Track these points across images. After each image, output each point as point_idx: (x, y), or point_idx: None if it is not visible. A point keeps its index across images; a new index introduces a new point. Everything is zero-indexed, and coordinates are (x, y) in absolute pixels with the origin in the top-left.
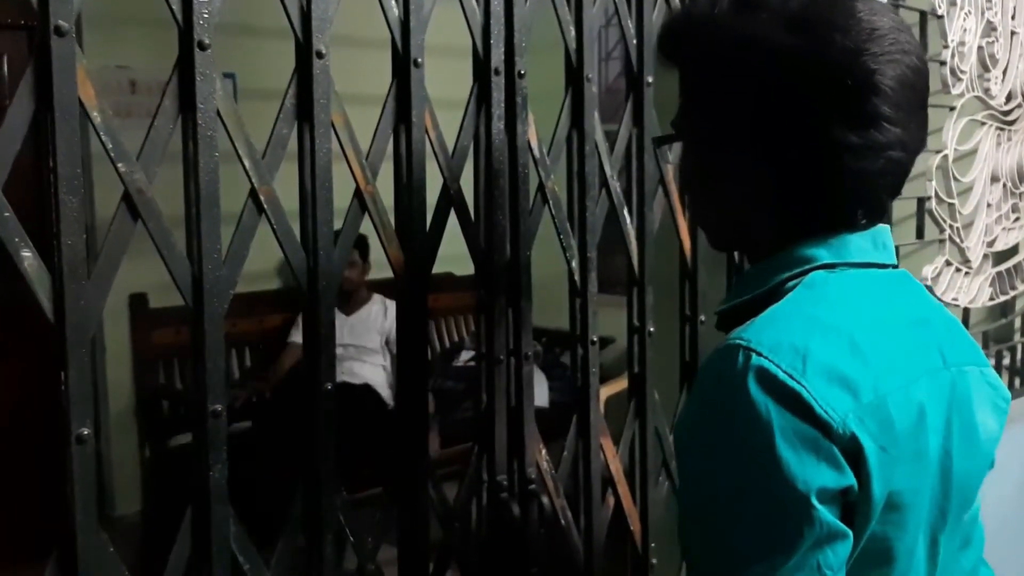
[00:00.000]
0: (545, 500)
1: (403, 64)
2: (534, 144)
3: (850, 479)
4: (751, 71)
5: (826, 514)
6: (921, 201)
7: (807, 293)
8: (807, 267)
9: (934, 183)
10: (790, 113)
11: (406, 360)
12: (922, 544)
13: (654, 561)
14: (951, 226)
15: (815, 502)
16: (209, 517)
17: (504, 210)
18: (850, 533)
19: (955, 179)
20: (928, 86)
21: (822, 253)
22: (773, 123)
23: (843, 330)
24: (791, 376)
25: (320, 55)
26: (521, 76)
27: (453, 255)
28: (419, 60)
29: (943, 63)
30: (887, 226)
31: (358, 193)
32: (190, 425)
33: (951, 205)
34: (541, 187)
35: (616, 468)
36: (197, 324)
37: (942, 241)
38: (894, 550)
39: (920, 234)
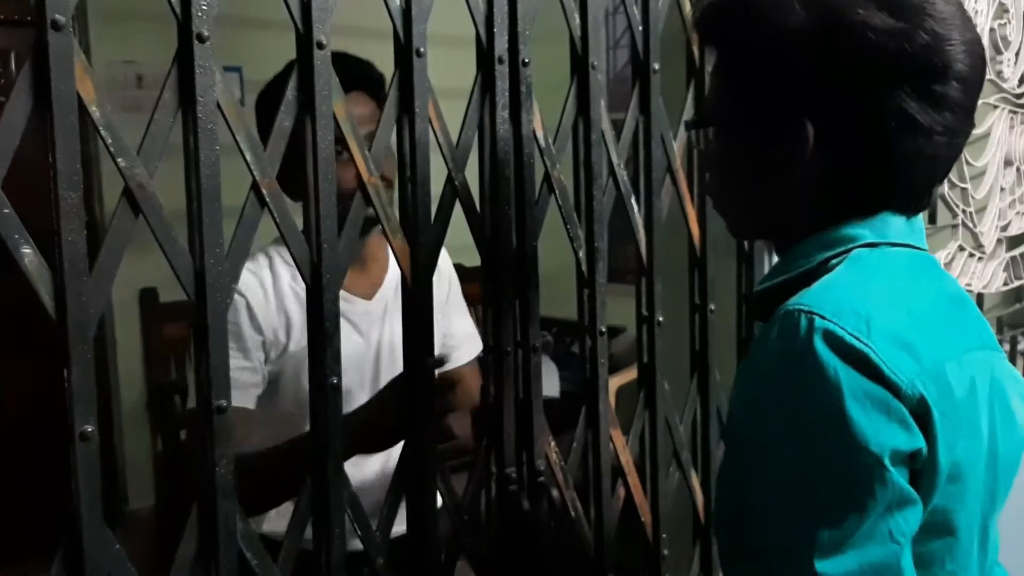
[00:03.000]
0: (555, 492)
1: (405, 54)
2: (539, 133)
3: (920, 441)
4: (834, 52)
5: (898, 477)
6: None
7: (855, 267)
8: (850, 246)
9: None
10: (871, 94)
11: (412, 352)
12: (976, 524)
13: (665, 552)
14: (964, 211)
15: (888, 464)
16: (216, 513)
17: (510, 200)
18: (919, 499)
19: (968, 163)
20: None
21: (865, 232)
22: (849, 106)
23: (898, 299)
24: (857, 338)
25: (321, 45)
26: (525, 64)
27: (462, 246)
28: (421, 49)
29: None
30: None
31: (361, 185)
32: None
33: (964, 190)
34: (547, 177)
35: (626, 459)
36: (200, 319)
37: (955, 226)
38: (955, 524)
39: (932, 219)
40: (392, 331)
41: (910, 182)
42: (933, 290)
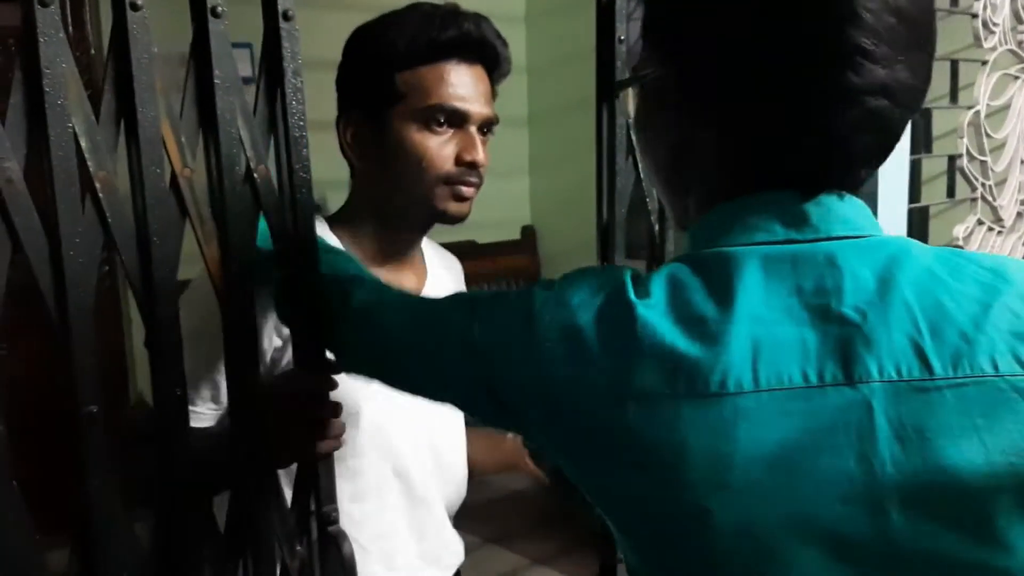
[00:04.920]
0: None
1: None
2: (631, 108)
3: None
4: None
5: None
6: (952, 159)
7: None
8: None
9: (965, 140)
10: (736, 49)
11: None
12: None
13: None
14: (983, 184)
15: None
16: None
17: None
18: None
19: (987, 135)
20: (931, 20)
21: (700, 234)
22: (717, 62)
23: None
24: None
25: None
26: (621, 42)
27: (474, 222)
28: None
29: (975, 15)
30: (832, 192)
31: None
32: None
33: (983, 163)
34: (632, 149)
35: None
36: (63, 332)
37: (974, 200)
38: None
39: (951, 193)
40: None
41: (798, 166)
42: (756, 303)
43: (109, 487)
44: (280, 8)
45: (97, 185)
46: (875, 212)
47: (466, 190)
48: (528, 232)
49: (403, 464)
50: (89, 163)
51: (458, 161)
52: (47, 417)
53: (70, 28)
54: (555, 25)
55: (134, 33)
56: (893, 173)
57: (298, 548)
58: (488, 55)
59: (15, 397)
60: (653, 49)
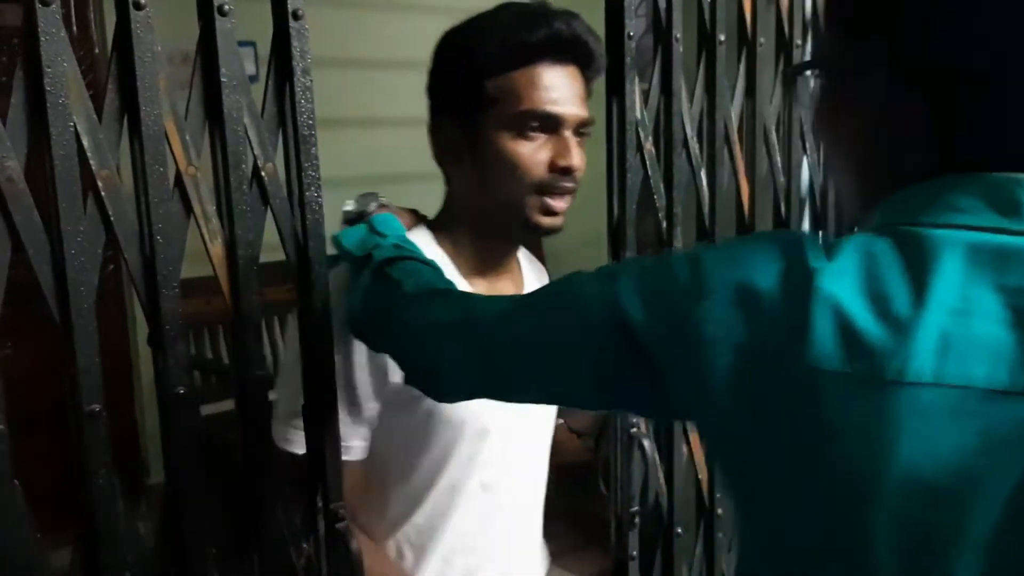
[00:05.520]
0: (646, 443)
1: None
2: (638, 105)
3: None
4: None
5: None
6: None
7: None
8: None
9: None
10: (958, 10)
11: None
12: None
13: (719, 511)
14: None
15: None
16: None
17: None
18: None
19: None
20: None
21: (876, 214)
22: (934, 25)
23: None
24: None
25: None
26: (631, 38)
27: None
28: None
29: None
30: None
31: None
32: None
33: None
34: (640, 147)
35: None
36: (66, 330)
37: None
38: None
39: None
40: None
41: (996, 131)
42: (947, 292)
43: (112, 486)
44: (290, 7)
45: (99, 184)
46: None
47: (558, 201)
48: None
49: (493, 477)
50: (91, 162)
51: (552, 167)
52: (50, 416)
53: (73, 27)
54: None
55: (137, 32)
56: None
57: (304, 546)
58: (581, 53)
59: (17, 396)
60: (856, 25)
